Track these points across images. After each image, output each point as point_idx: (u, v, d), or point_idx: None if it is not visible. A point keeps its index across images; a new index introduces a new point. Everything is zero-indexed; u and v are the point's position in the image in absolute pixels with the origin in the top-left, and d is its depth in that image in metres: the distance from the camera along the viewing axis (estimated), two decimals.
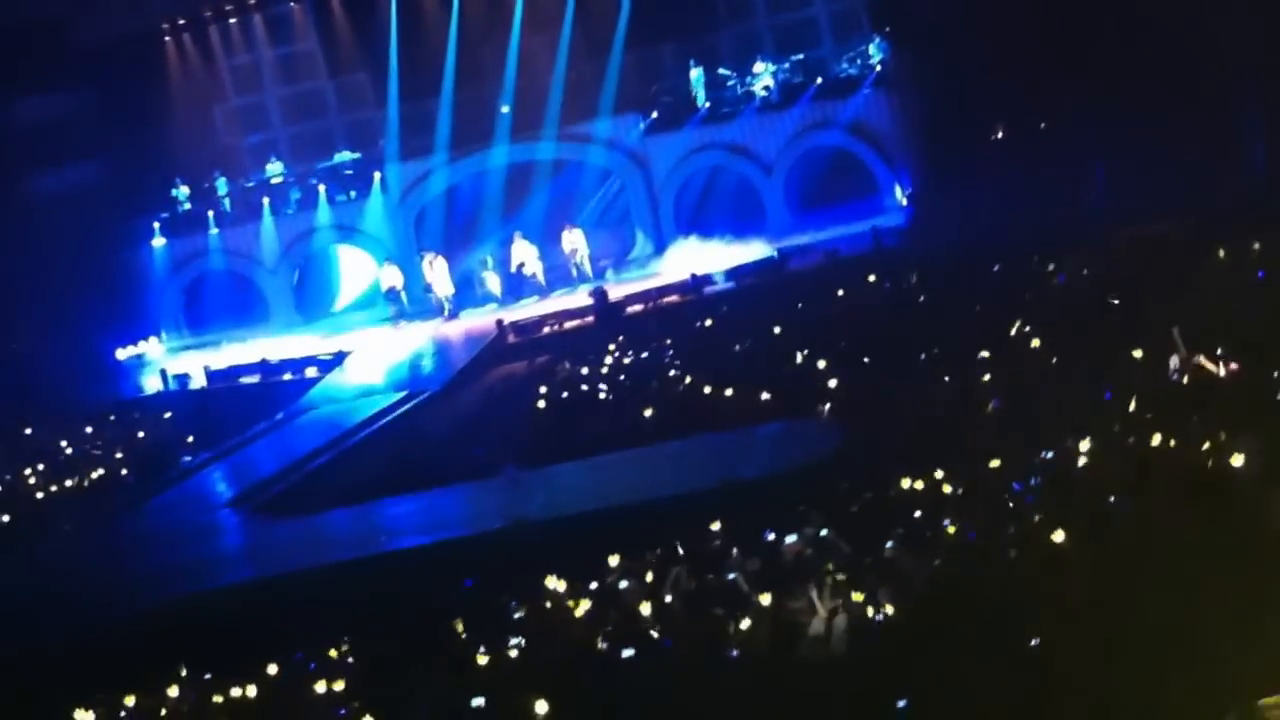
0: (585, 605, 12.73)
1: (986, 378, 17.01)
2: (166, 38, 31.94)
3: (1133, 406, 14.22)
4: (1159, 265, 19.63)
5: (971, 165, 23.99)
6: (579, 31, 30.31)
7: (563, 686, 11.25)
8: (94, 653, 15.59)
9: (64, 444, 25.25)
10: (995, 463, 13.63)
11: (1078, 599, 10.49)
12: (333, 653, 13.51)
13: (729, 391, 18.99)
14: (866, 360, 18.99)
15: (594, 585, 13.19)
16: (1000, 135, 24.85)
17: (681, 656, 11.51)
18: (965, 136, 24.64)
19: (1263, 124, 22.48)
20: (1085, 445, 13.22)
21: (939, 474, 13.81)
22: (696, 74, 29.76)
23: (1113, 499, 12.02)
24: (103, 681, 13.68)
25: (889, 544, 12.34)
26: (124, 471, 23.56)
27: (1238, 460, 11.62)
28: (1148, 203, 21.92)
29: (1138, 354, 15.96)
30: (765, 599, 11.70)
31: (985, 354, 17.60)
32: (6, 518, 21.60)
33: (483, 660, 12.24)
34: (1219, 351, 14.41)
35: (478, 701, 11.46)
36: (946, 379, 17.42)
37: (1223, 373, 14.25)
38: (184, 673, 13.45)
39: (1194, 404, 13.94)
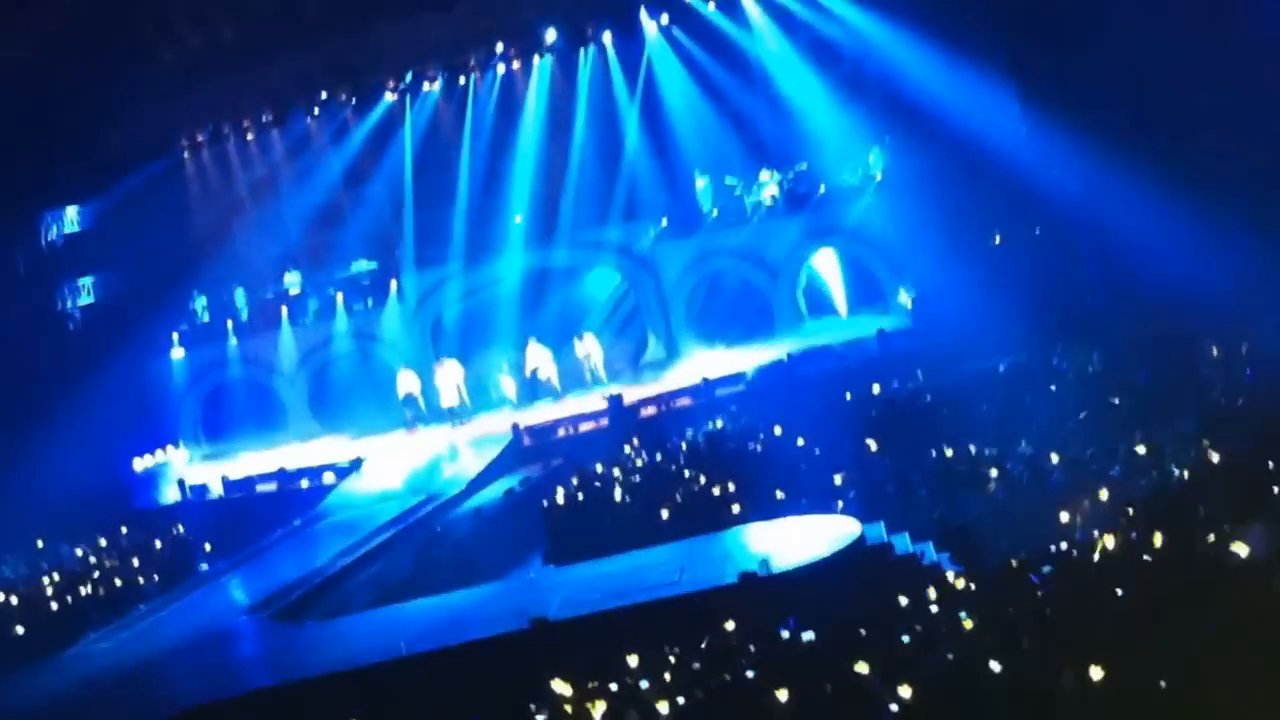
0: (604, 706, 12.71)
1: (994, 473, 17.32)
2: (185, 152, 32.54)
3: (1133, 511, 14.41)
4: (1160, 360, 19.99)
5: (973, 269, 24.43)
6: (589, 141, 30.99)
7: None
8: None
9: (80, 554, 25.32)
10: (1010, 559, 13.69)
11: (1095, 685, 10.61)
12: None
13: (742, 490, 19.10)
14: (878, 457, 19.23)
15: (614, 685, 13.20)
16: (999, 240, 25.37)
17: None
18: (965, 241, 25.17)
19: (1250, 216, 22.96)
20: (1096, 538, 13.42)
21: (951, 573, 14.01)
22: (704, 183, 30.36)
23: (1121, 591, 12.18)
24: None
25: (904, 638, 12.48)
26: (141, 580, 23.57)
27: (1242, 549, 11.78)
28: (1145, 298, 22.31)
29: (1141, 449, 16.30)
30: (783, 695, 11.80)
31: (992, 451, 17.94)
32: (21, 629, 21.55)
33: None
34: None
35: None
36: (957, 472, 17.70)
37: None
38: None
39: (1198, 496, 14.16)
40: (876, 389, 22.81)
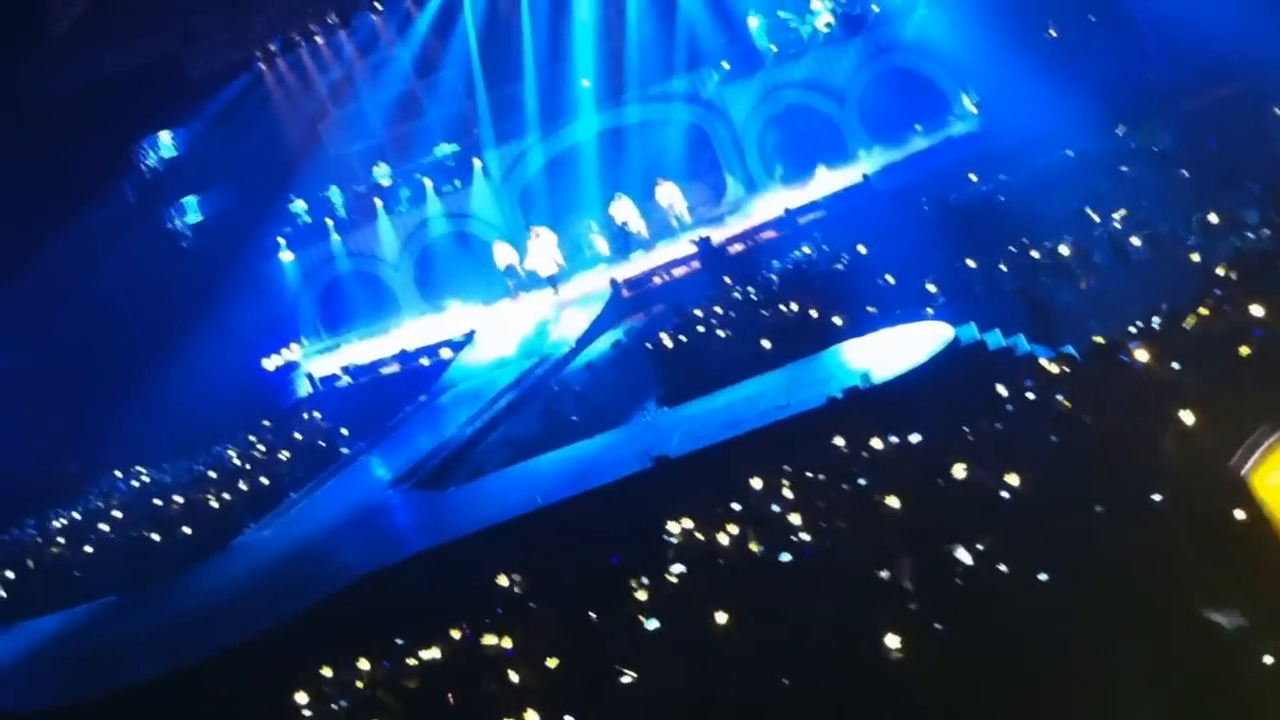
0: (733, 529, 13.11)
1: (1076, 259, 17.79)
2: (262, 66, 33.26)
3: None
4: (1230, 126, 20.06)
5: (1033, 64, 24.38)
6: None
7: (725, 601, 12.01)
8: (296, 639, 16.60)
9: (231, 454, 26.67)
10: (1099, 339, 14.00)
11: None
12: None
13: (836, 311, 19.38)
14: (963, 260, 19.44)
15: (739, 507, 13.61)
16: (1054, 33, 25.25)
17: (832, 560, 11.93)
18: (1021, 38, 25.02)
19: None
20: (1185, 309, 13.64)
21: (1045, 360, 14.25)
22: (757, 21, 30.37)
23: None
24: (310, 663, 14.33)
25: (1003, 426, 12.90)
26: (290, 471, 24.88)
27: None
28: (1209, 65, 22.09)
29: (1213, 218, 16.70)
30: (893, 501, 12.18)
31: (1072, 239, 18.39)
32: (188, 529, 22.75)
33: (648, 592, 12.68)
34: None
35: (653, 625, 12.11)
36: (1041, 264, 18.15)
37: None
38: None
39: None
40: (955, 195, 23.03)
